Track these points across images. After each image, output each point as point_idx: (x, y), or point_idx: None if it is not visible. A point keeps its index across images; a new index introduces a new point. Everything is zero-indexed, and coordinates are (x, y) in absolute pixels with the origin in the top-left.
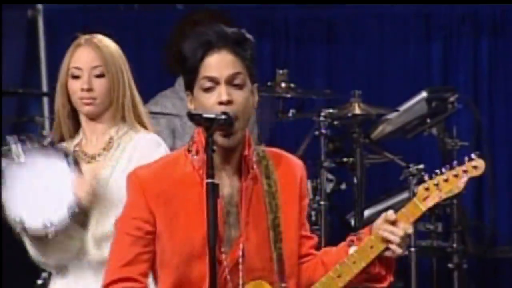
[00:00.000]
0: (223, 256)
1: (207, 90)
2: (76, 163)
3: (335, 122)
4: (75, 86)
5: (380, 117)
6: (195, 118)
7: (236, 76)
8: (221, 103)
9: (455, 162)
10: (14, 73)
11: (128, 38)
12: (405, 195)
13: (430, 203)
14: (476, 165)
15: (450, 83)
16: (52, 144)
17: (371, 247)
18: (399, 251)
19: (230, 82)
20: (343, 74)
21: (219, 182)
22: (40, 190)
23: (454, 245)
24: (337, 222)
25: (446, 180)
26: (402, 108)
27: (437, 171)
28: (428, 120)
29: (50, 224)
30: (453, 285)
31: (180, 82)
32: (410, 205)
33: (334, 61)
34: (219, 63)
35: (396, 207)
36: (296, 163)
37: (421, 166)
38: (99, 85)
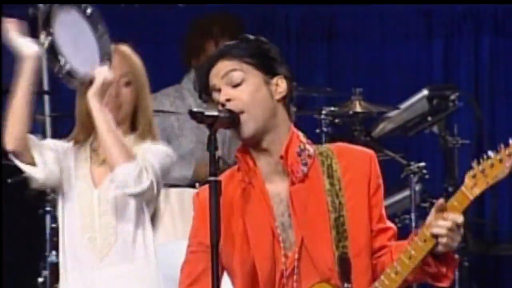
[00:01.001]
0: (283, 259)
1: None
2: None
3: (336, 120)
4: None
5: (381, 115)
6: (197, 116)
7: (231, 73)
8: (222, 104)
9: (500, 146)
10: (14, 71)
11: (128, 37)
12: (406, 192)
13: (477, 190)
14: None
15: (451, 81)
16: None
17: (424, 241)
18: (450, 244)
19: (227, 83)
20: (344, 72)
21: (275, 186)
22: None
23: None
24: None
25: (492, 166)
26: (403, 106)
27: (484, 156)
28: (429, 118)
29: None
30: (454, 283)
31: (186, 81)
32: (458, 194)
33: (335, 59)
34: (217, 73)
35: (396, 205)
36: (364, 157)
37: (422, 164)
38: (126, 92)
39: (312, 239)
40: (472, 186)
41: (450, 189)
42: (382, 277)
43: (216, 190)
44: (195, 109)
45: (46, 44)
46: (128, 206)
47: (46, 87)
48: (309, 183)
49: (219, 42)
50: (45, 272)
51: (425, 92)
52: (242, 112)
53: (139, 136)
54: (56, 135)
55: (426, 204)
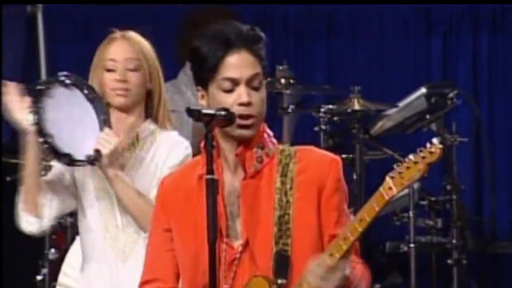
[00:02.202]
0: (224, 248)
1: (227, 90)
2: (107, 116)
3: (335, 118)
4: (109, 78)
5: (379, 113)
6: (194, 114)
7: (255, 77)
8: (242, 104)
9: (419, 148)
10: (13, 69)
11: None
12: (404, 190)
13: (394, 191)
14: (433, 151)
15: (449, 79)
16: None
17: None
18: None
19: (249, 83)
20: (342, 70)
21: (232, 177)
22: (73, 127)
23: (454, 241)
24: None
25: (408, 168)
26: (402, 104)
27: (406, 158)
28: (428, 116)
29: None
30: (452, 280)
31: (182, 76)
32: (376, 194)
33: (333, 57)
34: (239, 64)
35: (395, 203)
36: (323, 161)
37: None
38: (133, 76)
39: (254, 234)
40: (390, 187)
41: (448, 187)
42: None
43: (213, 188)
44: (192, 107)
45: (33, 122)
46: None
47: None
48: (260, 180)
49: None
50: (44, 270)
51: (423, 90)
52: (253, 117)
53: (160, 126)
54: None
55: (425, 202)
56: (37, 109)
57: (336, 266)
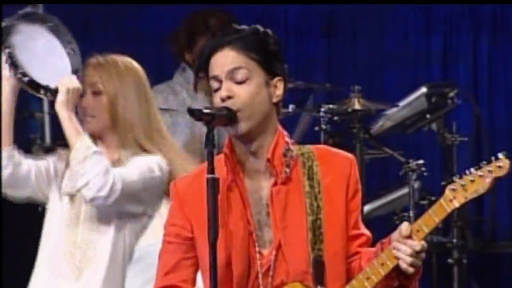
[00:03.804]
0: (258, 257)
1: (216, 90)
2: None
3: (335, 118)
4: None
5: (380, 112)
6: (195, 113)
7: (236, 70)
8: (222, 99)
9: (483, 162)
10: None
11: (129, 35)
12: (405, 190)
13: (456, 204)
14: (501, 165)
15: (449, 78)
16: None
17: (382, 264)
18: (409, 270)
19: (231, 78)
20: (342, 69)
21: (256, 184)
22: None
23: (454, 240)
24: None
25: (472, 181)
26: (402, 103)
27: (466, 171)
28: (428, 116)
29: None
30: (453, 280)
31: (177, 76)
32: (437, 205)
33: (334, 56)
34: (220, 61)
35: (395, 203)
36: (344, 161)
37: (421, 161)
38: (94, 103)
39: (288, 240)
40: (451, 199)
41: None
42: None
43: (214, 188)
44: (193, 107)
45: (5, 56)
46: (104, 219)
47: None
48: (290, 185)
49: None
50: None
51: (423, 89)
52: (239, 110)
53: (129, 152)
54: (55, 132)
55: (425, 202)
56: (6, 45)
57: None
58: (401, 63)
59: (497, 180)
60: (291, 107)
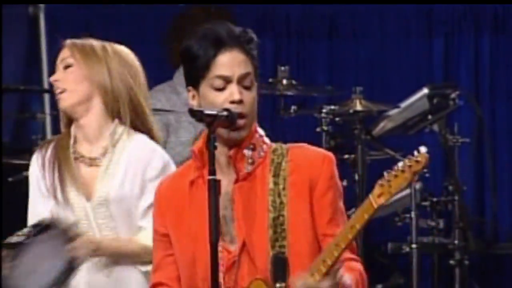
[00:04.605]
0: (223, 253)
1: (218, 89)
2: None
3: (337, 119)
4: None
5: (381, 113)
6: (196, 115)
7: (247, 76)
8: (233, 102)
9: (409, 156)
10: (15, 70)
11: (130, 35)
12: (406, 191)
13: (382, 199)
14: (419, 159)
15: (451, 79)
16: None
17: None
18: None
19: (241, 82)
20: (344, 70)
21: (223, 179)
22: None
23: (456, 242)
24: None
25: (396, 176)
26: (404, 104)
27: (394, 167)
28: (430, 117)
29: None
30: (454, 281)
31: (178, 76)
32: (366, 201)
33: (335, 57)
34: (231, 62)
35: (397, 204)
36: (316, 158)
37: None
38: (64, 75)
39: (251, 237)
40: (379, 195)
41: (451, 187)
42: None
43: (215, 189)
44: (194, 108)
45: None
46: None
47: (46, 85)
48: (253, 181)
49: None
50: None
51: (425, 90)
52: (244, 116)
53: (128, 129)
54: (56, 133)
55: (427, 203)
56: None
57: (328, 275)
58: (402, 64)
59: (416, 174)
60: (292, 108)
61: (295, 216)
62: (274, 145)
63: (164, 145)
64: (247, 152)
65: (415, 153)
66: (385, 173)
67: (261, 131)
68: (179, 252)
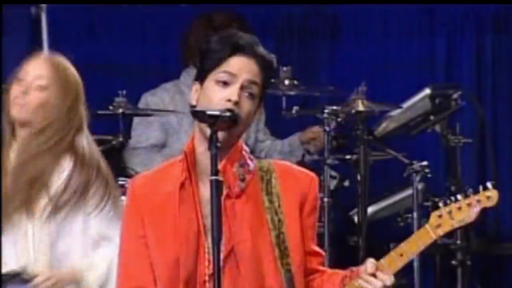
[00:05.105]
0: (206, 263)
1: (221, 83)
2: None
3: (339, 119)
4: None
5: (383, 113)
6: (198, 115)
7: (253, 84)
8: (229, 101)
9: (470, 190)
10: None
11: (132, 36)
12: (408, 191)
13: (441, 231)
14: (490, 195)
15: (453, 79)
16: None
17: None
18: None
19: (245, 87)
20: (346, 70)
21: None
22: None
23: (458, 242)
24: (340, 219)
25: (459, 209)
26: (406, 105)
27: (452, 198)
28: (432, 117)
29: None
30: (456, 282)
31: (184, 75)
32: (422, 230)
33: (337, 58)
34: (243, 65)
35: (399, 204)
36: (304, 178)
37: (425, 163)
38: (34, 96)
39: (250, 254)
40: (437, 226)
41: (453, 188)
42: None
43: (217, 189)
44: (197, 109)
45: None
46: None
47: None
48: (246, 199)
49: None
50: None
51: (427, 91)
52: (239, 120)
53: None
54: None
55: (429, 203)
56: None
57: None
58: (405, 64)
59: (483, 211)
60: (294, 109)
61: (292, 233)
62: (257, 161)
63: (164, 145)
64: (237, 168)
65: (480, 188)
66: (441, 205)
67: (246, 148)
68: (159, 253)
